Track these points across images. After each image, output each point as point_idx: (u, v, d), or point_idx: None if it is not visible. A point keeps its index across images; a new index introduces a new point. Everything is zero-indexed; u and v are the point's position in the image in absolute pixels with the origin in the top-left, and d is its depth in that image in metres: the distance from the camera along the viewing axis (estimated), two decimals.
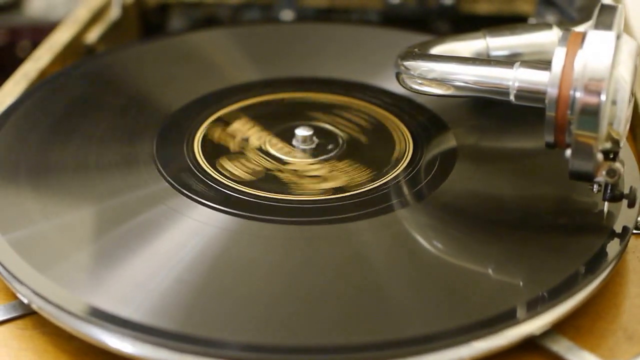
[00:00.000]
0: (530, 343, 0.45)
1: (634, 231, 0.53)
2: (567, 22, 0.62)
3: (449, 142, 0.57)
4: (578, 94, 0.45)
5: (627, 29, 0.74)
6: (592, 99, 0.44)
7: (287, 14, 0.83)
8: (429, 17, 0.83)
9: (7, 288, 0.48)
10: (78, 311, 0.44)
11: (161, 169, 0.55)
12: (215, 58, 0.69)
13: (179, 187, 0.53)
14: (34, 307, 0.46)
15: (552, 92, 0.46)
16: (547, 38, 0.55)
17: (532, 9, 0.78)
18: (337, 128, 0.60)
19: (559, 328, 0.45)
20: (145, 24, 0.86)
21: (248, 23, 0.83)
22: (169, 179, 0.54)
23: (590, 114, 0.44)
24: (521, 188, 0.53)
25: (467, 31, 0.58)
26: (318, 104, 0.63)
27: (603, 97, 0.44)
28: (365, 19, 0.84)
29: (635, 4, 0.81)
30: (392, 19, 0.83)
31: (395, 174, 0.55)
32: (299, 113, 0.62)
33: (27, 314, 0.47)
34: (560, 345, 0.45)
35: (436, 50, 0.56)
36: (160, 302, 0.45)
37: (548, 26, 0.57)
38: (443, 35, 0.61)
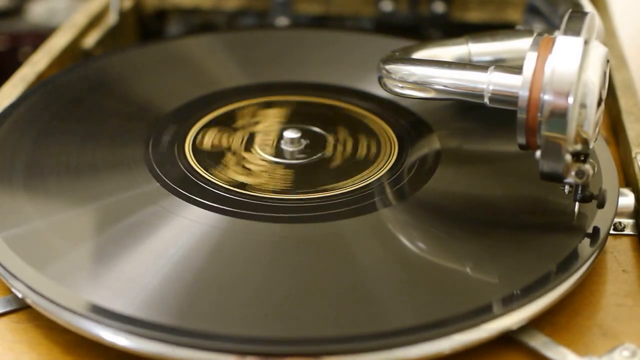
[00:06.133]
0: (508, 339, 0.46)
1: (612, 232, 0.54)
2: (552, 29, 0.63)
3: (433, 144, 0.59)
4: (547, 97, 0.46)
5: (612, 36, 0.75)
6: (560, 102, 0.46)
7: (282, 21, 0.85)
8: (421, 25, 0.84)
9: (2, 283, 0.49)
10: (71, 305, 0.45)
11: (153, 169, 0.56)
12: (210, 62, 0.70)
13: (171, 187, 0.54)
14: (28, 301, 0.47)
15: (523, 95, 0.48)
16: (528, 44, 0.56)
17: (521, 17, 0.79)
18: (326, 130, 0.61)
19: (536, 324, 0.47)
20: (143, 30, 0.87)
21: (243, 29, 0.84)
22: (161, 180, 0.55)
23: (558, 116, 0.46)
24: (501, 189, 0.55)
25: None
26: (309, 107, 0.65)
27: (570, 100, 0.46)
28: (359, 26, 0.85)
29: (621, 12, 0.82)
30: (385, 27, 0.84)
31: (381, 174, 0.56)
32: (290, 116, 0.63)
33: (21, 307, 0.49)
34: (537, 341, 0.46)
35: (418, 55, 0.58)
36: (154, 296, 0.46)
37: (529, 33, 0.58)
38: (427, 40, 0.62)
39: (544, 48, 0.47)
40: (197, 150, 0.59)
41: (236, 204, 0.53)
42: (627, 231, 0.55)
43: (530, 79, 0.47)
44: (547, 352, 0.45)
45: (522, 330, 0.46)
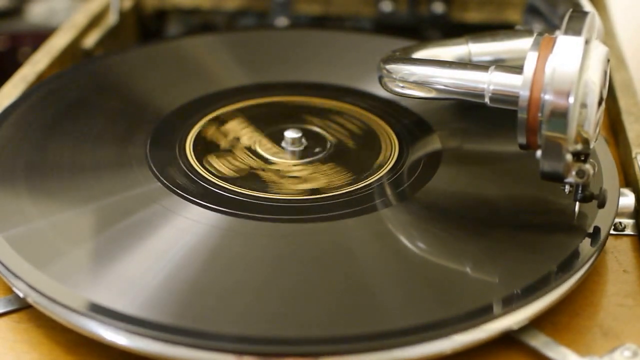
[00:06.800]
0: (509, 338, 0.46)
1: (612, 232, 0.54)
2: (551, 29, 0.63)
3: (434, 144, 0.59)
4: (547, 97, 0.46)
5: (611, 37, 0.75)
6: (560, 102, 0.46)
7: (282, 21, 0.85)
8: (420, 26, 0.84)
9: (3, 282, 0.49)
10: (73, 305, 0.45)
11: (154, 169, 0.56)
12: (210, 62, 0.71)
13: (172, 187, 0.54)
14: (30, 300, 0.47)
15: (524, 95, 0.48)
16: (527, 44, 0.57)
17: (521, 18, 0.79)
18: (327, 131, 0.61)
19: (537, 324, 0.47)
20: (143, 30, 0.87)
21: (243, 29, 0.84)
22: (162, 179, 0.55)
23: (559, 116, 0.46)
24: (502, 189, 0.55)
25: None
26: (309, 107, 0.64)
27: (571, 100, 0.46)
28: (358, 27, 0.85)
29: (621, 12, 0.82)
30: (385, 27, 0.84)
31: (381, 175, 0.56)
32: (290, 116, 0.63)
33: (22, 307, 0.49)
34: (538, 341, 0.46)
35: (419, 55, 0.58)
36: (154, 296, 0.46)
37: (529, 33, 0.58)
38: (427, 40, 0.62)
39: (544, 48, 0.47)
40: (197, 149, 0.59)
41: (237, 203, 0.53)
42: (628, 231, 0.55)
43: (530, 79, 0.47)
44: (548, 352, 0.45)
45: (523, 330, 0.46)
